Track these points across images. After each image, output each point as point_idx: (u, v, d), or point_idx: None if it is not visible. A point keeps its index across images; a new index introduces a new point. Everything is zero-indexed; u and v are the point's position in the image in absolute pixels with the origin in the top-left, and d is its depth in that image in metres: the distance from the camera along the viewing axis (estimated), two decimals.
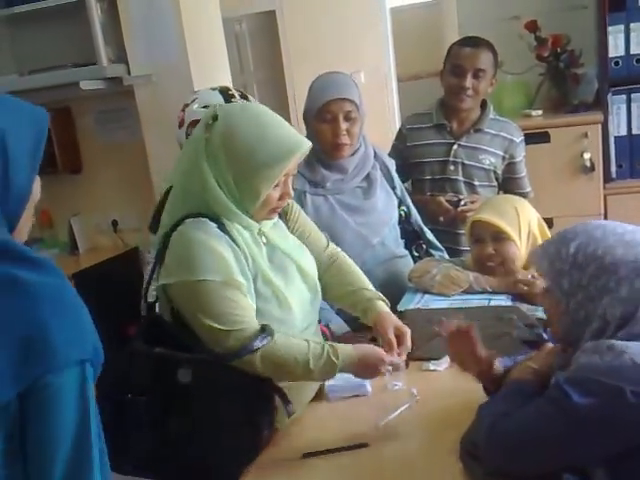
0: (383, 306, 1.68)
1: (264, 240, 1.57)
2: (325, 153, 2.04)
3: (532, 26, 2.99)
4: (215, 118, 1.49)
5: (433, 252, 2.21)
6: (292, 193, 1.56)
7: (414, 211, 2.25)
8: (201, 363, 1.46)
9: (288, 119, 2.27)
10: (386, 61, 4.87)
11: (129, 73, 2.93)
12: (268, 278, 1.52)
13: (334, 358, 1.47)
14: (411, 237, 2.22)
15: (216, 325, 1.45)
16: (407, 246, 2.20)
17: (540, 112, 3.01)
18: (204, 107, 2.00)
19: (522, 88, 3.13)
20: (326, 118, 1.99)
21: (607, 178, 2.81)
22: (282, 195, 1.53)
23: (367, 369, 1.51)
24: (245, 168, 1.47)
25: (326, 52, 4.88)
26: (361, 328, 1.95)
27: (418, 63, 5.18)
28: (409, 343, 1.59)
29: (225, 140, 1.47)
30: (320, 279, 1.69)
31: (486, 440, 1.23)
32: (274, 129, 1.49)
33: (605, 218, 2.81)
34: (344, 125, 1.98)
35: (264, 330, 1.45)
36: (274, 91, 5.36)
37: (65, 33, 3.04)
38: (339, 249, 1.84)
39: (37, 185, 1.02)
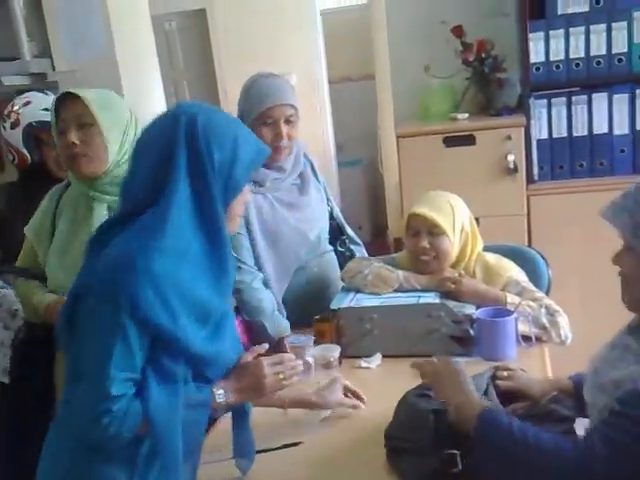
0: None
1: None
2: None
3: (458, 31, 3.06)
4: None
5: (353, 247, 2.30)
6: None
7: (336, 207, 2.33)
8: None
9: None
10: (317, 63, 4.89)
11: (54, 69, 2.85)
12: None
13: None
14: (335, 233, 2.28)
15: None
16: (331, 241, 2.26)
17: (466, 115, 3.08)
18: (44, 109, 2.14)
19: (449, 92, 3.20)
20: (267, 122, 2.00)
21: (530, 179, 2.90)
22: None
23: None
24: None
25: (258, 52, 4.86)
26: (302, 325, 1.98)
27: (349, 65, 5.25)
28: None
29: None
30: None
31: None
32: None
33: (528, 218, 2.91)
34: (285, 128, 2.01)
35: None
36: (205, 89, 5.31)
37: None
38: None
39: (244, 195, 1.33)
